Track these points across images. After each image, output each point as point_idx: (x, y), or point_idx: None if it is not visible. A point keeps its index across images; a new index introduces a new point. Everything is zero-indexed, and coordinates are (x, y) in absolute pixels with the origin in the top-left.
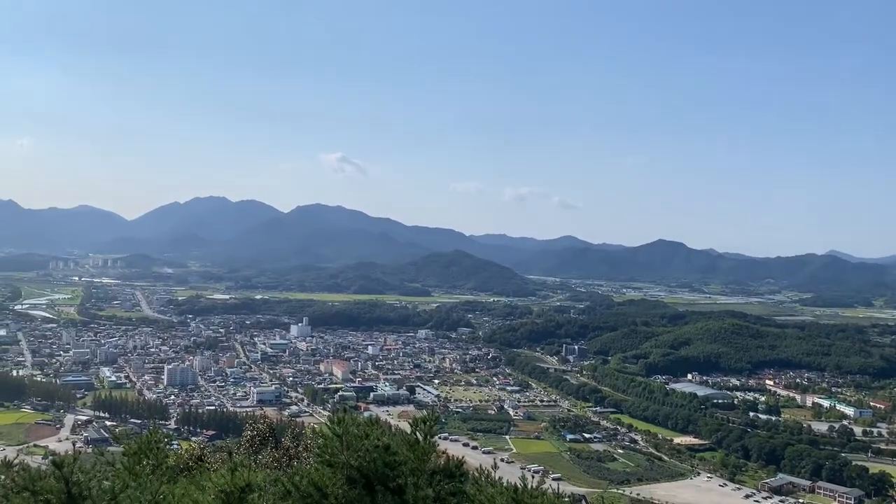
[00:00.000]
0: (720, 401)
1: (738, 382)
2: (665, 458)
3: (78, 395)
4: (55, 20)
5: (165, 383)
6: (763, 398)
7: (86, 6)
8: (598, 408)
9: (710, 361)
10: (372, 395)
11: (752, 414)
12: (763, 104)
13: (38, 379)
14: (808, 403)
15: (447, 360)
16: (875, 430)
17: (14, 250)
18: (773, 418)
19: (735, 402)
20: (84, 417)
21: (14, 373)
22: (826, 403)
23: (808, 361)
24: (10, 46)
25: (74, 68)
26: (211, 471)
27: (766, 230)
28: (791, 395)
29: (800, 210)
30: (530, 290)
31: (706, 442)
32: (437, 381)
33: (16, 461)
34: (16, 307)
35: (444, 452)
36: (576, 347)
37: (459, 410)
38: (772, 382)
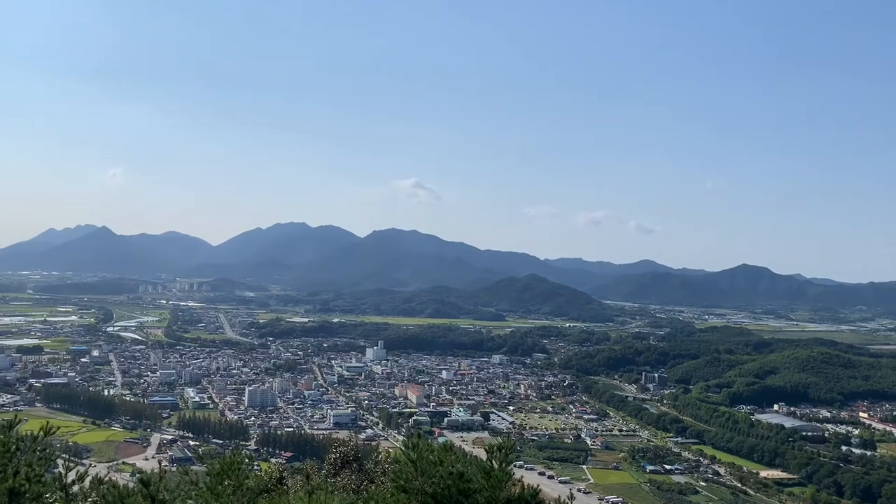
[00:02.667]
0: (809, 433)
1: (828, 414)
2: (751, 491)
3: (164, 415)
4: (146, 57)
5: (246, 404)
6: (857, 431)
7: (175, 43)
8: (679, 438)
9: (798, 392)
10: (446, 420)
11: (844, 448)
12: (848, 122)
13: (128, 398)
14: None
15: (522, 386)
16: None
17: (107, 275)
18: (869, 453)
19: (826, 435)
20: (169, 437)
21: (105, 392)
22: None
23: None
24: (105, 82)
25: (163, 101)
26: (290, 493)
27: (857, 255)
28: (888, 428)
29: (893, 233)
30: (607, 315)
31: (795, 476)
32: (511, 408)
33: (106, 478)
34: (108, 329)
35: (519, 481)
36: (655, 375)
37: (535, 438)
38: (866, 415)
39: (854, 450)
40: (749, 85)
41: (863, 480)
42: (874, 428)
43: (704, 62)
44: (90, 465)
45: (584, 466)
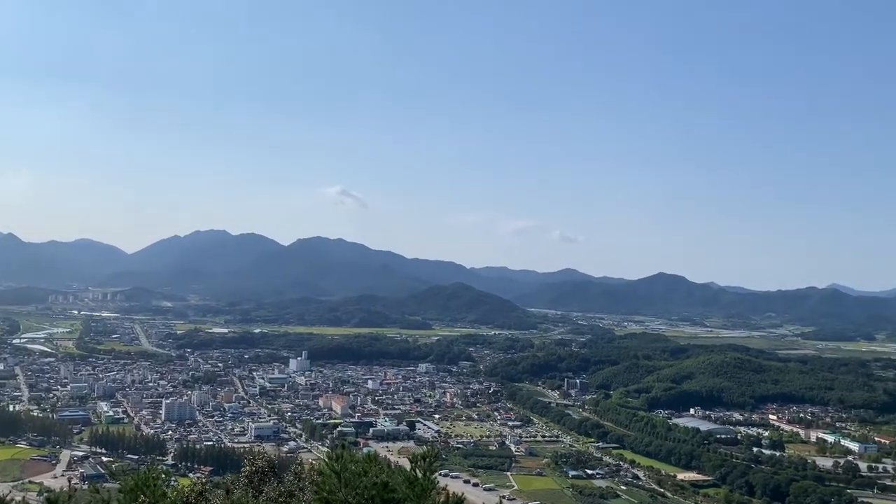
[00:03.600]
0: (723, 436)
1: (741, 417)
2: (668, 494)
3: (75, 431)
4: (55, 55)
5: (163, 418)
6: (767, 433)
7: (85, 42)
8: (600, 443)
9: (713, 396)
10: (371, 430)
11: (755, 449)
12: (762, 137)
13: (35, 414)
14: (813, 438)
15: (448, 394)
16: (880, 465)
17: (13, 284)
18: (778, 454)
19: (738, 438)
20: (80, 453)
21: (10, 407)
22: (830, 438)
23: (812, 396)
24: (10, 79)
25: (76, 102)
26: None
27: (767, 264)
28: (795, 429)
29: (801, 244)
30: (531, 323)
31: (710, 478)
32: (437, 416)
33: (9, 498)
34: (14, 341)
35: (444, 489)
36: (577, 381)
37: (460, 446)
38: (775, 417)
39: (764, 451)
40: (662, 93)
41: (772, 480)
42: (782, 429)
43: (616, 70)
44: None
45: (509, 473)
